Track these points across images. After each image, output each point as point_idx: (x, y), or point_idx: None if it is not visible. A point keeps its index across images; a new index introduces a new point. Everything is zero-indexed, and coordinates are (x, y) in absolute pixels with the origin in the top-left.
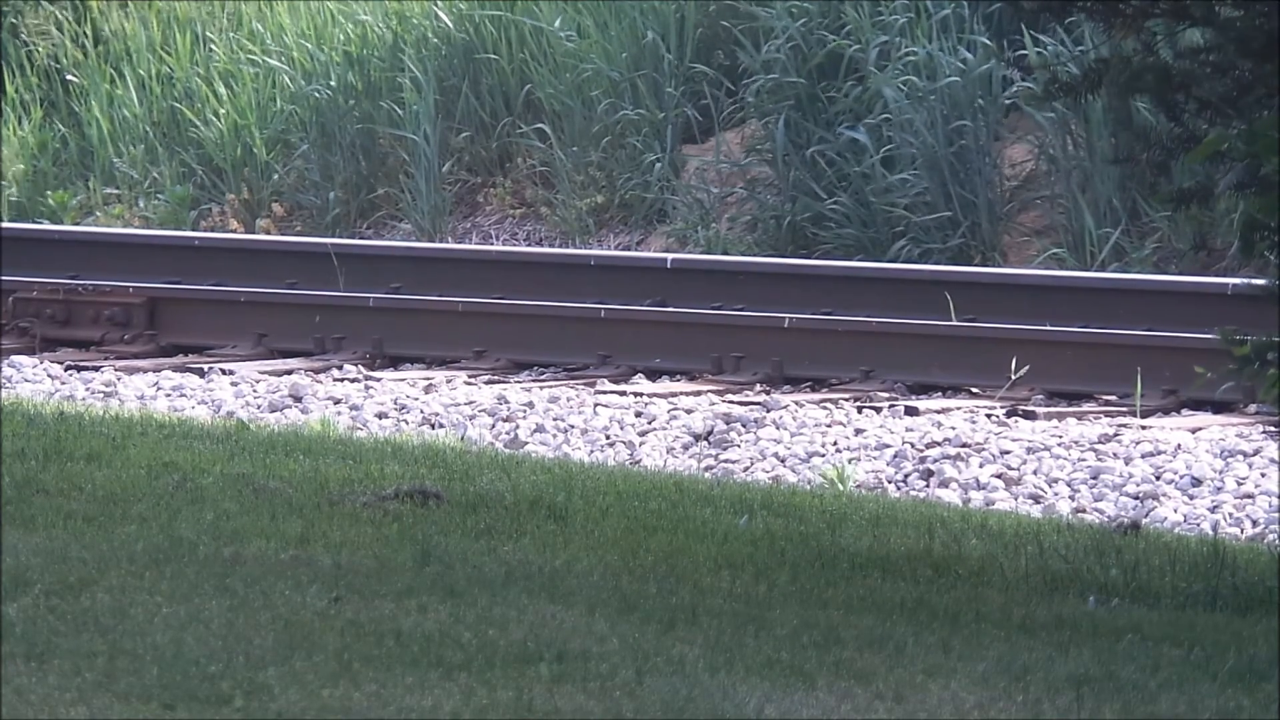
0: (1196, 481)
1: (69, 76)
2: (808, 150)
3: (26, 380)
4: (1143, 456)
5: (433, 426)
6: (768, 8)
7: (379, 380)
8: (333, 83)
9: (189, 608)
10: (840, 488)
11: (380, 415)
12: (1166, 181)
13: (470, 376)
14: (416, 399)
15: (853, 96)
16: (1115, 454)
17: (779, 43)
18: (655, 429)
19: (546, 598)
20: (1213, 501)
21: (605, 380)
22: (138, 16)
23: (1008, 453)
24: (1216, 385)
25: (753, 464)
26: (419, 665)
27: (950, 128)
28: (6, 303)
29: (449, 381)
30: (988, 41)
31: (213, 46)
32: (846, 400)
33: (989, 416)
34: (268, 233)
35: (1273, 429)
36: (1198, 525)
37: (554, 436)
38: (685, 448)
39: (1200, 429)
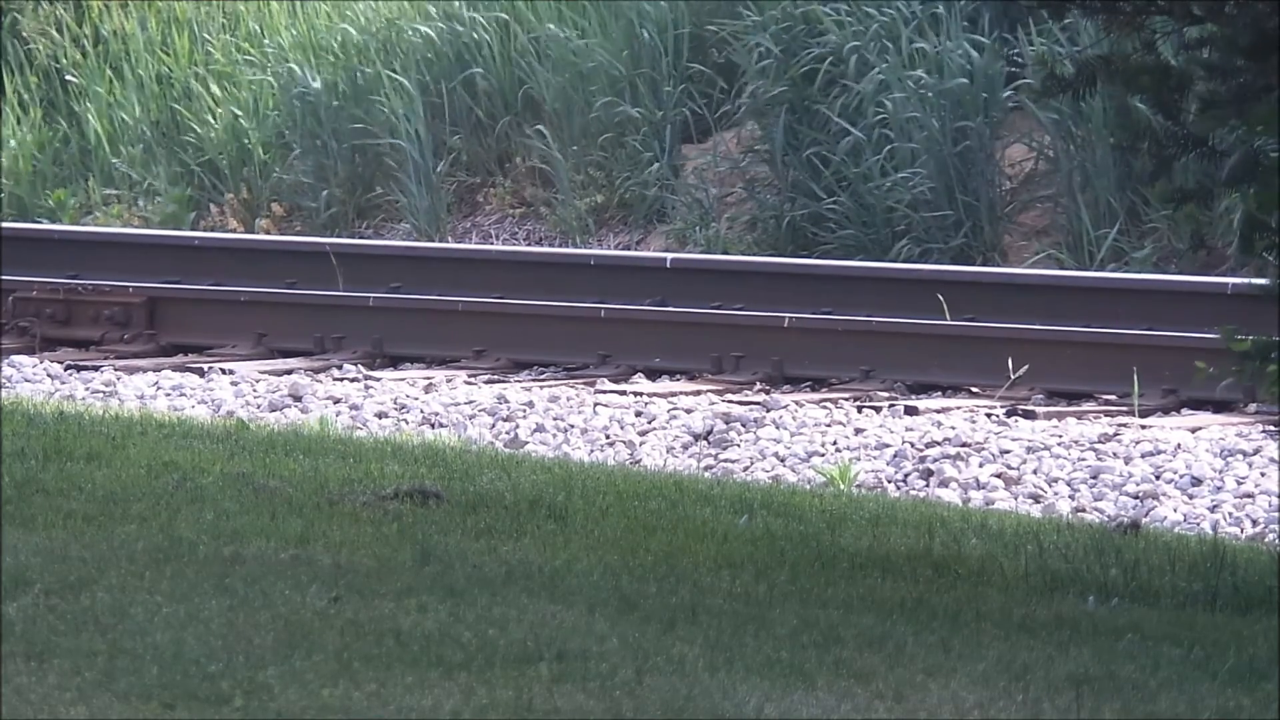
0: (1196, 481)
1: (68, 77)
2: (805, 151)
3: (26, 380)
4: (1142, 456)
5: (433, 426)
6: (750, 13)
7: (379, 380)
8: (325, 83)
9: (189, 607)
10: (841, 486)
11: (380, 415)
12: (1166, 179)
13: (470, 376)
14: (416, 399)
15: (848, 105)
16: (1115, 453)
17: (765, 49)
18: (655, 429)
19: (546, 597)
20: (1212, 501)
21: (605, 380)
22: (136, 17)
23: (1007, 452)
24: (1216, 385)
25: (752, 464)
26: (419, 665)
27: (953, 127)
28: (6, 302)
29: (449, 381)
30: (980, 39)
31: (210, 47)
32: (846, 400)
33: (989, 416)
34: (267, 232)
35: (1273, 428)
36: (1198, 525)
37: (554, 436)
38: (685, 447)
39: (1200, 428)
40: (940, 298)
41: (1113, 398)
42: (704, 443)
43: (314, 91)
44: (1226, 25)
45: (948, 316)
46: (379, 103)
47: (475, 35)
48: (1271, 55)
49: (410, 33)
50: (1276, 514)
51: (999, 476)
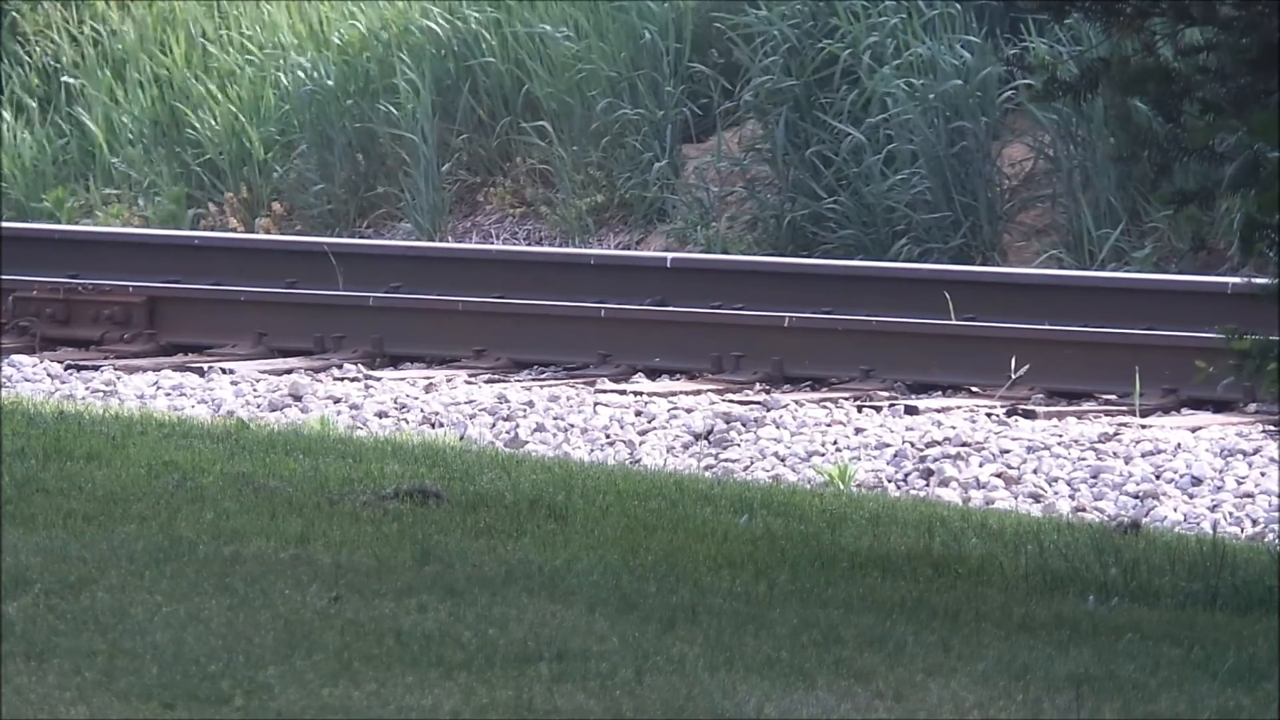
0: (1196, 481)
1: (66, 77)
2: (807, 151)
3: (26, 379)
4: (1143, 456)
5: (433, 426)
6: (758, 9)
7: (379, 379)
8: (330, 82)
9: (189, 607)
10: (841, 486)
11: (380, 414)
12: (1167, 182)
13: (470, 376)
14: (416, 398)
15: (850, 100)
16: (1115, 453)
17: (773, 45)
18: (655, 428)
19: (546, 597)
20: (1213, 501)
21: (605, 379)
22: (135, 17)
23: (1008, 452)
24: (1216, 384)
25: (753, 463)
26: (419, 664)
27: (951, 127)
28: (6, 302)
29: (449, 381)
30: (976, 40)
31: (210, 46)
32: (846, 399)
33: (989, 416)
34: (268, 232)
35: (1273, 428)
36: (1198, 524)
37: (554, 436)
38: (685, 447)
39: (1200, 428)
40: (947, 295)
41: (1113, 397)
42: (704, 442)
43: (322, 87)
44: (1224, 28)
45: (953, 316)
46: (388, 99)
47: (477, 33)
48: (1271, 60)
49: (417, 31)
50: (1276, 514)
51: (999, 476)
